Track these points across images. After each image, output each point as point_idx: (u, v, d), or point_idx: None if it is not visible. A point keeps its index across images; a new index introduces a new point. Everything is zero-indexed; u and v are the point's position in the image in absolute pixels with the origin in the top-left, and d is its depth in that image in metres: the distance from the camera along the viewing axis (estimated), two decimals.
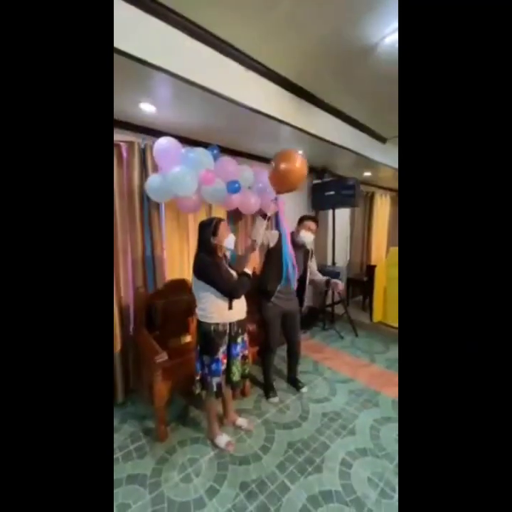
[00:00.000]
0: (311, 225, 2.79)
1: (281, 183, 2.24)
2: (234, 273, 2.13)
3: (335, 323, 4.82)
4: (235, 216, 3.70)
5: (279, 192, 2.30)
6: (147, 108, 2.54)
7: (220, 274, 2.01)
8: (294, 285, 2.79)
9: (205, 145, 3.09)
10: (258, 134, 3.18)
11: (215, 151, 2.91)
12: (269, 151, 3.73)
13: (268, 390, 3.02)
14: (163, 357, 2.23)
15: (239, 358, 2.20)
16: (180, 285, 2.95)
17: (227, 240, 2.09)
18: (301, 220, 2.82)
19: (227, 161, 2.95)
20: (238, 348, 2.19)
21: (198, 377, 2.19)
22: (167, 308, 2.88)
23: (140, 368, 2.95)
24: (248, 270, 2.17)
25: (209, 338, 2.08)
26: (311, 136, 3.21)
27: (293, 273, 2.63)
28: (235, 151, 3.65)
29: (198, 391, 2.23)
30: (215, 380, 2.13)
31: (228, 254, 2.25)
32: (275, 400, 2.94)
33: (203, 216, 3.35)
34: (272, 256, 2.68)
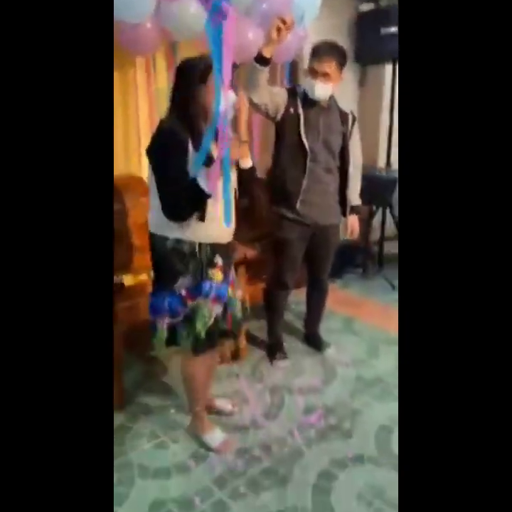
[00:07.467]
0: (322, 66, 1.57)
1: None
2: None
3: (383, 268, 3.16)
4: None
5: None
6: None
7: (171, 164, 1.17)
8: (333, 179, 1.84)
9: None
10: None
11: None
12: None
13: (274, 350, 2.05)
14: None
15: (209, 300, 1.35)
16: (133, 186, 1.95)
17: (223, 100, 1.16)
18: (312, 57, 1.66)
19: None
20: (210, 285, 1.35)
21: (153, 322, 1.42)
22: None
23: None
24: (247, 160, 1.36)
25: (162, 258, 1.34)
26: None
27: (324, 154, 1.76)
28: None
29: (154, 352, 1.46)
30: (164, 321, 1.36)
31: (224, 133, 1.18)
32: (284, 363, 2.02)
33: (160, 62, 2.18)
34: (285, 130, 1.74)
